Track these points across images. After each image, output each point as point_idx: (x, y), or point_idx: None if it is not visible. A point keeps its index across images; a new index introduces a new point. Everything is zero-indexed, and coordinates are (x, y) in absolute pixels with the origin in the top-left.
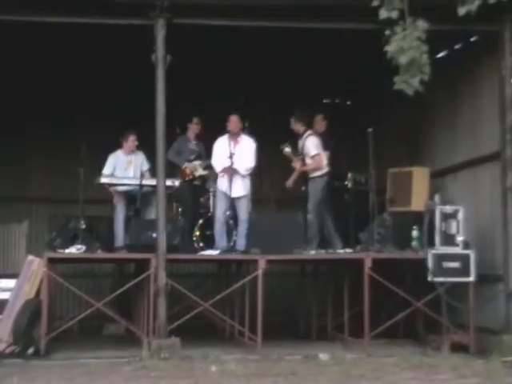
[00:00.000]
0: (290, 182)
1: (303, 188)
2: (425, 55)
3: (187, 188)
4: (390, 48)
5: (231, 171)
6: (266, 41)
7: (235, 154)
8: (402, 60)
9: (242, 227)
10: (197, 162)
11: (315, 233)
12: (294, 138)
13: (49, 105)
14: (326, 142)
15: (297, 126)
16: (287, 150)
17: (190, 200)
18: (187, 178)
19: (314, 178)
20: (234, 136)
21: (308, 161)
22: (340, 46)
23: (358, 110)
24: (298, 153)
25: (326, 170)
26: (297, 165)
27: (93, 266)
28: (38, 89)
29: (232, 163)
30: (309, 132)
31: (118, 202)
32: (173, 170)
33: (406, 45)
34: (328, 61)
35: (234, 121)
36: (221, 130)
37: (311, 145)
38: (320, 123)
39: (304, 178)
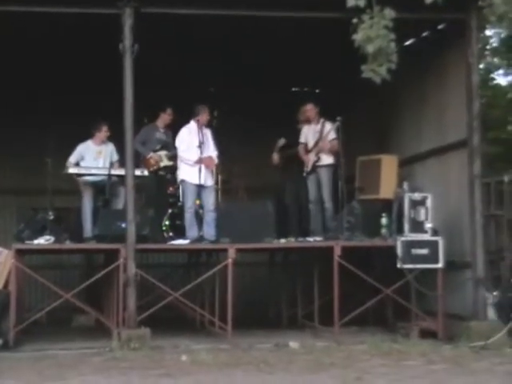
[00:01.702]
0: (275, 159)
1: (304, 174)
2: (392, 44)
3: (153, 178)
4: (358, 37)
5: (211, 162)
6: (233, 30)
7: (204, 144)
8: (370, 49)
9: (210, 217)
10: (162, 152)
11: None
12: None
13: (15, 94)
14: None
15: (312, 112)
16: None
17: (157, 190)
18: (151, 169)
19: (327, 166)
20: (201, 126)
21: (322, 144)
22: (308, 35)
23: (326, 99)
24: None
25: (334, 160)
26: (323, 144)
27: (61, 258)
28: (2, 78)
29: (201, 152)
30: (323, 119)
31: (86, 193)
32: (137, 159)
33: (374, 33)
34: (296, 50)
35: (207, 112)
36: (188, 120)
37: (331, 129)
38: (313, 111)
39: (311, 164)
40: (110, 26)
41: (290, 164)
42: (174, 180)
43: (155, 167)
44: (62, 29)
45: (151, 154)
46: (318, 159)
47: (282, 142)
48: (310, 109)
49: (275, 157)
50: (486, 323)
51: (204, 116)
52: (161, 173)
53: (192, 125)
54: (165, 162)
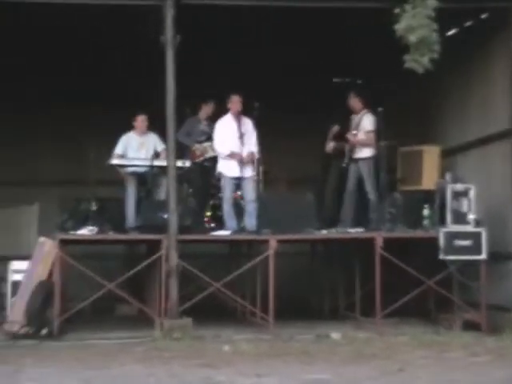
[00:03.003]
0: (330, 146)
1: (344, 165)
2: (434, 33)
3: (197, 169)
4: (400, 26)
5: (249, 157)
6: (274, 22)
7: (245, 135)
8: (412, 38)
9: (251, 207)
10: (207, 144)
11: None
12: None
13: (62, 88)
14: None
15: (354, 102)
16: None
17: (200, 181)
18: (197, 160)
19: (364, 158)
20: (238, 117)
21: (360, 136)
22: (350, 25)
23: (369, 89)
24: (352, 129)
25: (373, 152)
26: (351, 136)
27: (104, 248)
28: (50, 72)
29: (243, 144)
30: (366, 110)
31: (129, 184)
32: (183, 151)
33: (416, 23)
34: (338, 40)
35: (236, 101)
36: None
37: (368, 121)
38: (355, 101)
39: (348, 155)
40: (149, 17)
41: (341, 154)
42: (216, 171)
43: (201, 158)
44: (103, 21)
45: (197, 146)
46: (353, 151)
47: (336, 129)
48: (351, 99)
49: (330, 144)
50: None
51: (234, 104)
52: (206, 164)
53: (228, 116)
54: (210, 153)
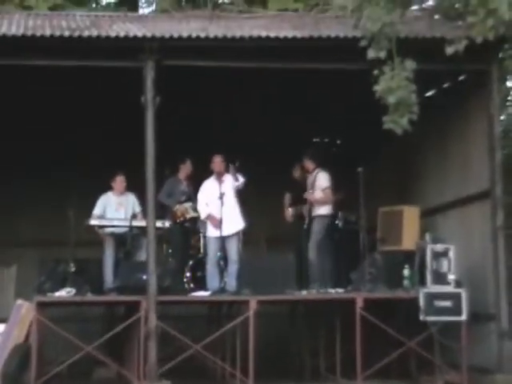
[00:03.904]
0: (288, 214)
1: (305, 226)
2: (413, 95)
3: (177, 230)
4: (379, 88)
5: (216, 222)
6: (254, 81)
7: (225, 194)
8: (391, 100)
9: (233, 268)
10: (187, 204)
11: (317, 272)
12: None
13: (37, 145)
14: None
15: (308, 164)
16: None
17: (180, 242)
18: (178, 220)
19: (319, 216)
20: (219, 176)
21: (317, 195)
22: (328, 86)
23: (347, 149)
24: (308, 188)
25: (330, 210)
26: (309, 195)
27: (83, 310)
28: (26, 130)
29: (222, 203)
30: (320, 169)
31: (108, 244)
32: (163, 211)
33: (395, 85)
34: (317, 100)
35: (217, 161)
36: (210, 171)
37: (323, 178)
38: (308, 163)
39: (307, 215)
40: (129, 78)
41: (303, 217)
42: (195, 231)
43: (181, 219)
44: (82, 82)
45: (177, 206)
46: (311, 210)
47: (288, 196)
48: (305, 161)
49: (288, 212)
50: (511, 376)
51: (216, 165)
52: (186, 224)
53: (211, 178)
54: (191, 214)
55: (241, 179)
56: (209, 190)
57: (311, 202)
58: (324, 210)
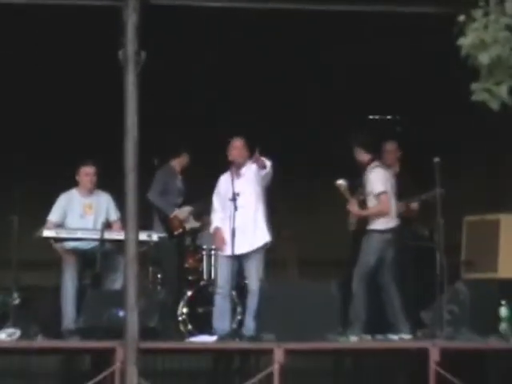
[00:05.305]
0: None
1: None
2: None
3: (171, 245)
4: (466, 41)
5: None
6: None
7: (240, 194)
8: (484, 59)
9: (251, 302)
10: (187, 208)
11: (360, 310)
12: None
13: None
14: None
15: (360, 156)
16: (341, 182)
17: (174, 263)
18: (176, 232)
19: (372, 230)
20: (238, 168)
21: (371, 202)
22: (393, 39)
23: (418, 131)
24: (359, 191)
25: (391, 222)
26: (353, 207)
27: (30, 360)
28: None
29: (236, 207)
30: (376, 163)
31: (68, 266)
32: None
33: (489, 37)
34: (375, 61)
35: (237, 147)
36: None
37: (376, 179)
38: (391, 155)
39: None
40: (105, 27)
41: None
42: (195, 248)
43: (180, 230)
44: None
45: (176, 212)
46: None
47: (343, 185)
48: (355, 151)
49: (352, 220)
50: None
51: (234, 151)
52: (185, 238)
53: (227, 173)
54: (191, 224)
55: (268, 163)
56: (223, 188)
57: (358, 217)
58: (381, 224)
